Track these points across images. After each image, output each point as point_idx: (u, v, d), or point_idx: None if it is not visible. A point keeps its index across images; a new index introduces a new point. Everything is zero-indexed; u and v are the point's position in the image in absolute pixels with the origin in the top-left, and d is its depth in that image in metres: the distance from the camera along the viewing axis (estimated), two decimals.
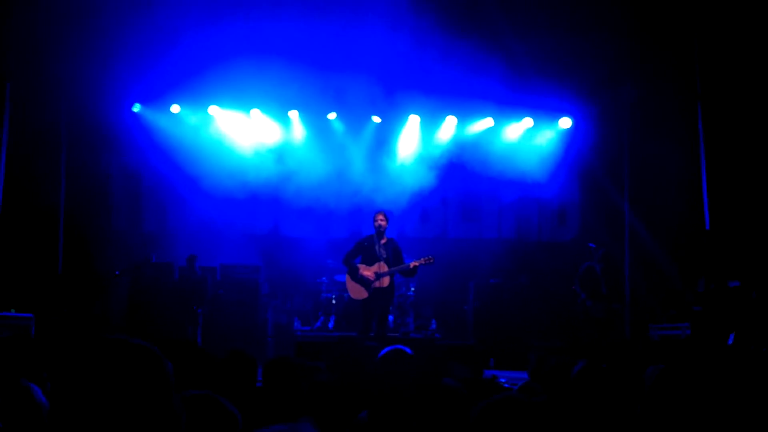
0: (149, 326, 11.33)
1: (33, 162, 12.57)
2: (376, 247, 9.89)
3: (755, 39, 11.14)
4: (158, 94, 13.34)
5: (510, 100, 13.43)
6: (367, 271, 9.80)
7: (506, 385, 6.66)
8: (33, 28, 11.24)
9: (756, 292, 9.91)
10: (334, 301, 12.83)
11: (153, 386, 1.67)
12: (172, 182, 13.52)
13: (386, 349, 3.75)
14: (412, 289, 12.94)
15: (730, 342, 8.50)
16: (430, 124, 14.14)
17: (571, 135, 14.12)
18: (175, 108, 13.60)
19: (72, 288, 12.33)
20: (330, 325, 12.67)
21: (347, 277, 10.03)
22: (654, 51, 12.17)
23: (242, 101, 13.54)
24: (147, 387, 1.67)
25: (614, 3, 11.40)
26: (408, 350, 3.74)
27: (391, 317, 12.19)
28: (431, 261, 9.88)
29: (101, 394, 1.67)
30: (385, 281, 9.78)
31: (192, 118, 13.75)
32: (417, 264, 9.80)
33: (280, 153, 13.95)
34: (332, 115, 13.94)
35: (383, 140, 14.16)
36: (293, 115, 13.89)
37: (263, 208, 13.70)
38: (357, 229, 13.68)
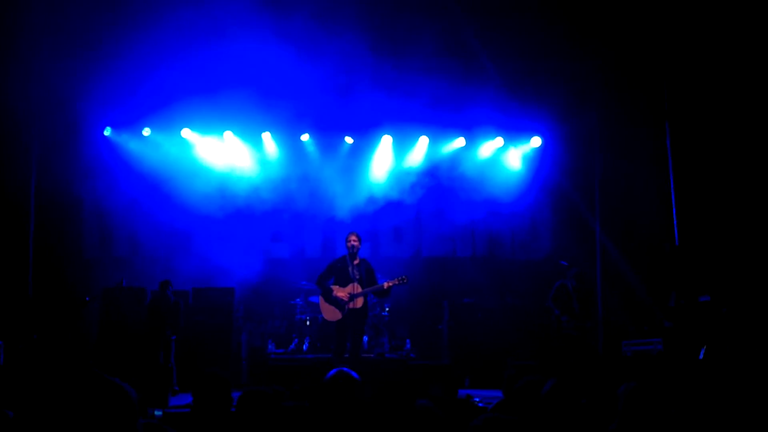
0: (120, 352, 11.18)
1: (2, 185, 12.44)
2: (350, 268, 9.88)
3: (720, 60, 11.36)
4: (129, 118, 13.28)
5: (482, 120, 13.54)
6: (340, 293, 9.78)
7: (480, 404, 6.68)
8: (3, 50, 11.16)
9: (726, 306, 10.03)
10: (308, 323, 12.76)
11: (119, 420, 1.67)
12: (143, 206, 13.43)
13: (331, 373, 3.77)
14: (387, 309, 12.92)
15: (701, 357, 8.57)
16: (403, 144, 14.21)
17: (542, 154, 14.26)
18: (146, 131, 13.53)
19: (42, 313, 12.17)
20: (304, 347, 12.59)
21: (321, 299, 9.99)
22: (623, 72, 12.35)
23: (215, 124, 13.51)
24: (113, 420, 1.67)
25: (584, 27, 11.55)
26: (354, 373, 3.76)
27: (365, 338, 12.15)
28: (405, 281, 9.88)
29: (67, 426, 1.66)
30: (359, 302, 9.77)
31: (164, 141, 13.69)
32: (391, 284, 9.79)
33: (253, 175, 13.93)
34: (305, 137, 13.96)
35: (356, 160, 14.20)
36: (266, 136, 13.88)
37: (236, 229, 13.63)
38: (330, 250, 13.68)
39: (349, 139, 14.06)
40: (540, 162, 14.25)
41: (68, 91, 12.17)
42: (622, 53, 11.97)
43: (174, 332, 10.99)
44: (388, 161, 14.23)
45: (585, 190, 13.95)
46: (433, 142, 14.19)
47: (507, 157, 14.42)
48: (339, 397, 3.89)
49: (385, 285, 9.80)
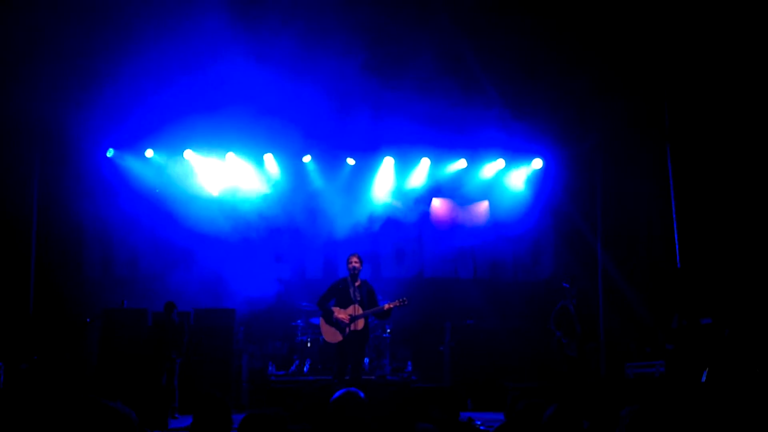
0: (120, 373, 11.12)
1: (4, 205, 12.46)
2: (351, 290, 9.87)
3: (721, 80, 11.40)
4: (132, 140, 13.32)
5: (483, 142, 13.57)
6: (341, 314, 9.76)
7: (482, 427, 6.64)
8: (5, 70, 11.23)
9: (728, 328, 10.00)
10: (309, 345, 12.72)
11: None
12: (145, 226, 13.45)
13: (338, 393, 3.75)
14: (388, 330, 12.88)
15: (704, 379, 8.52)
16: (405, 165, 14.23)
17: (543, 175, 14.27)
18: (149, 153, 13.57)
19: (43, 334, 12.14)
20: (305, 368, 12.54)
21: (321, 321, 9.98)
22: (624, 93, 12.38)
23: (217, 145, 13.54)
24: None
25: (585, 48, 11.60)
26: (361, 393, 3.74)
27: (366, 360, 12.11)
28: (405, 303, 9.86)
29: None
30: (360, 324, 9.75)
31: (166, 163, 13.73)
32: (391, 306, 9.78)
33: (255, 196, 13.95)
34: (307, 158, 13.99)
35: (358, 182, 14.23)
36: (268, 158, 13.92)
37: (238, 250, 13.62)
38: (332, 271, 13.67)
39: (350, 161, 14.09)
40: (542, 183, 14.27)
41: (70, 113, 12.21)
42: (622, 74, 12.01)
43: (179, 355, 10.94)
44: (390, 182, 14.26)
45: (586, 211, 13.95)
46: (435, 163, 14.22)
47: (509, 178, 14.44)
48: (346, 417, 3.87)
49: (386, 307, 9.79)
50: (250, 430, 4.01)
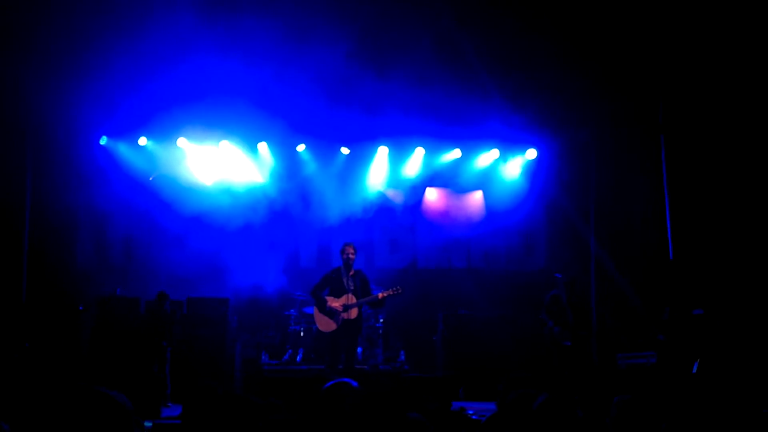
0: (113, 362, 11.14)
1: None
2: (344, 279, 9.90)
3: (714, 74, 11.42)
4: (125, 127, 13.27)
5: (478, 132, 13.57)
6: (335, 303, 9.78)
7: (474, 416, 6.67)
8: None
9: (719, 320, 10.06)
10: (302, 334, 12.74)
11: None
12: (138, 214, 13.43)
13: (330, 382, 3.77)
14: (381, 320, 12.91)
15: (695, 370, 8.58)
16: (399, 155, 14.22)
17: (537, 166, 14.27)
18: (142, 140, 13.53)
19: (36, 322, 12.13)
20: (298, 358, 12.56)
21: (315, 310, 10.00)
22: (618, 85, 12.39)
23: (211, 134, 13.50)
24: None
25: (580, 41, 11.59)
26: (354, 383, 3.76)
27: (360, 349, 12.13)
28: (399, 292, 9.89)
29: None
30: (353, 313, 9.77)
31: (159, 150, 13.68)
32: (385, 295, 9.81)
33: (249, 184, 13.93)
34: (301, 147, 13.97)
35: (352, 171, 14.21)
36: (262, 147, 13.89)
37: (232, 239, 13.61)
38: (326, 260, 13.67)
39: (345, 150, 14.07)
40: (535, 174, 14.26)
41: (63, 100, 12.17)
42: (618, 67, 12.01)
43: (170, 343, 10.96)
44: (384, 172, 14.25)
45: (580, 201, 13.96)
46: (429, 153, 14.21)
47: (503, 168, 14.43)
48: (339, 406, 3.88)
49: (380, 296, 9.82)
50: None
